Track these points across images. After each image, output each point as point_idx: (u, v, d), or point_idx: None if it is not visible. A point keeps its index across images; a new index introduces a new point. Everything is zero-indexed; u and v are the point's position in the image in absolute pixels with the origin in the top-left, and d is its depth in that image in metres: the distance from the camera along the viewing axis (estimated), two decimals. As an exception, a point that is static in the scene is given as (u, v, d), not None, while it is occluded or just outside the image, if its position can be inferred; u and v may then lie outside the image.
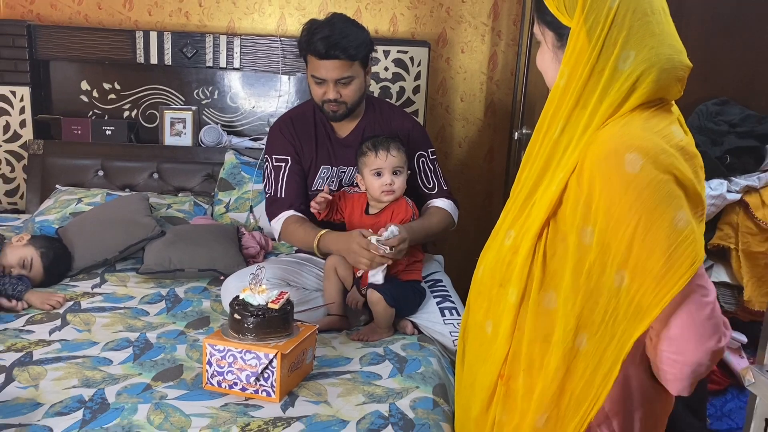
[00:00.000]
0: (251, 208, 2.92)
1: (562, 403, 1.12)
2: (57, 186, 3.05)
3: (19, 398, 1.64)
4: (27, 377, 1.74)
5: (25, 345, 1.92)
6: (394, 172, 2.10)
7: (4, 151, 3.24)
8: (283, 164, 2.27)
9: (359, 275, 2.12)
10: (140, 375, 1.78)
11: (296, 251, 2.47)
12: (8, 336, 1.97)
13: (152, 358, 1.88)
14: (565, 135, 1.11)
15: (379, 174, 2.10)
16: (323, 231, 2.13)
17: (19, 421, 1.54)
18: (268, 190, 2.29)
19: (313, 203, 2.15)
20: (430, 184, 2.31)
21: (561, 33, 1.13)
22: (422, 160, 2.30)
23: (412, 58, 3.15)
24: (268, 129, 3.23)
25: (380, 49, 3.12)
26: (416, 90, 3.18)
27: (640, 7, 1.08)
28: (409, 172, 2.17)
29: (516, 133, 2.89)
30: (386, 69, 3.16)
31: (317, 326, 1.87)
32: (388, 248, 1.97)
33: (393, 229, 1.99)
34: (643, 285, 1.04)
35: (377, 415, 1.65)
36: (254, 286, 1.74)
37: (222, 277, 2.46)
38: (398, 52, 3.15)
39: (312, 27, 2.12)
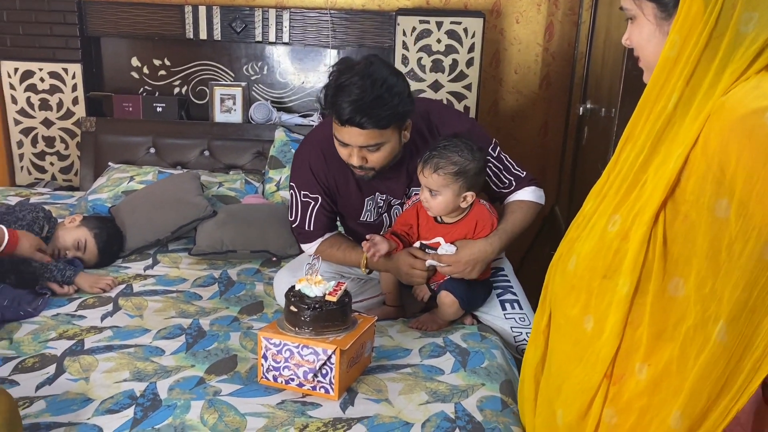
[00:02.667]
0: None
1: (696, 399, 0.95)
2: (110, 163, 2.92)
3: (69, 393, 1.50)
4: (78, 368, 1.61)
5: (76, 332, 1.79)
6: (431, 192, 1.79)
7: (58, 129, 3.12)
8: (313, 202, 1.91)
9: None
10: (193, 367, 1.63)
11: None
12: (60, 322, 1.85)
13: (205, 347, 1.73)
14: (679, 108, 0.96)
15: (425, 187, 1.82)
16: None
17: (68, 419, 1.40)
18: (294, 219, 1.94)
19: (378, 250, 1.81)
20: (503, 183, 1.94)
21: (664, 2, 1.02)
22: (489, 164, 1.91)
23: (465, 30, 2.89)
24: (317, 105, 3.06)
25: (432, 20, 2.87)
26: (470, 63, 2.92)
27: None
28: (470, 193, 1.80)
29: (580, 108, 2.62)
30: (439, 41, 2.91)
31: (376, 318, 1.69)
32: (436, 263, 1.83)
33: (449, 248, 1.82)
34: None
35: (442, 416, 1.47)
36: (310, 277, 1.58)
37: (274, 258, 2.34)
38: (451, 23, 2.89)
39: (339, 80, 1.64)
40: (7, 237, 1.81)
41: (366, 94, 1.61)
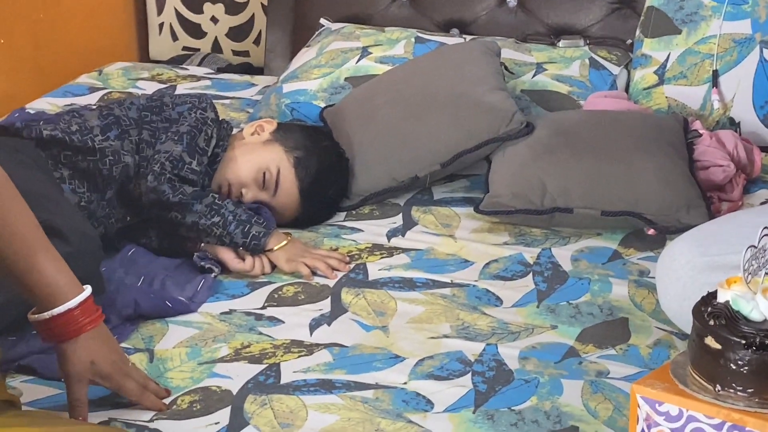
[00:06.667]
0: (715, 75, 2.75)
1: None
2: (322, 21, 3.14)
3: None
4: (270, 421, 1.75)
5: (265, 349, 1.95)
6: None
7: (228, -48, 3.41)
8: None
9: None
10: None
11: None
12: (236, 327, 2.04)
13: (512, 405, 1.80)
14: None
15: None
16: None
17: None
18: None
19: None
20: None
21: None
22: None
23: None
24: None
25: None
26: None
27: None
28: None
29: None
30: None
31: None
32: None
33: None
34: None
35: None
36: (754, 275, 1.54)
37: (651, 231, 2.39)
38: None
39: None
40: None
41: None
